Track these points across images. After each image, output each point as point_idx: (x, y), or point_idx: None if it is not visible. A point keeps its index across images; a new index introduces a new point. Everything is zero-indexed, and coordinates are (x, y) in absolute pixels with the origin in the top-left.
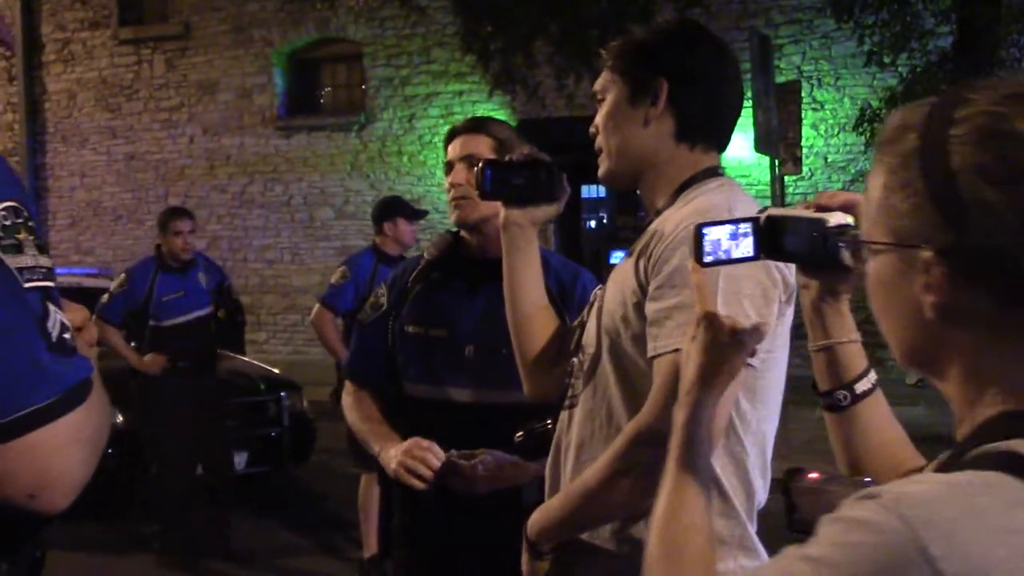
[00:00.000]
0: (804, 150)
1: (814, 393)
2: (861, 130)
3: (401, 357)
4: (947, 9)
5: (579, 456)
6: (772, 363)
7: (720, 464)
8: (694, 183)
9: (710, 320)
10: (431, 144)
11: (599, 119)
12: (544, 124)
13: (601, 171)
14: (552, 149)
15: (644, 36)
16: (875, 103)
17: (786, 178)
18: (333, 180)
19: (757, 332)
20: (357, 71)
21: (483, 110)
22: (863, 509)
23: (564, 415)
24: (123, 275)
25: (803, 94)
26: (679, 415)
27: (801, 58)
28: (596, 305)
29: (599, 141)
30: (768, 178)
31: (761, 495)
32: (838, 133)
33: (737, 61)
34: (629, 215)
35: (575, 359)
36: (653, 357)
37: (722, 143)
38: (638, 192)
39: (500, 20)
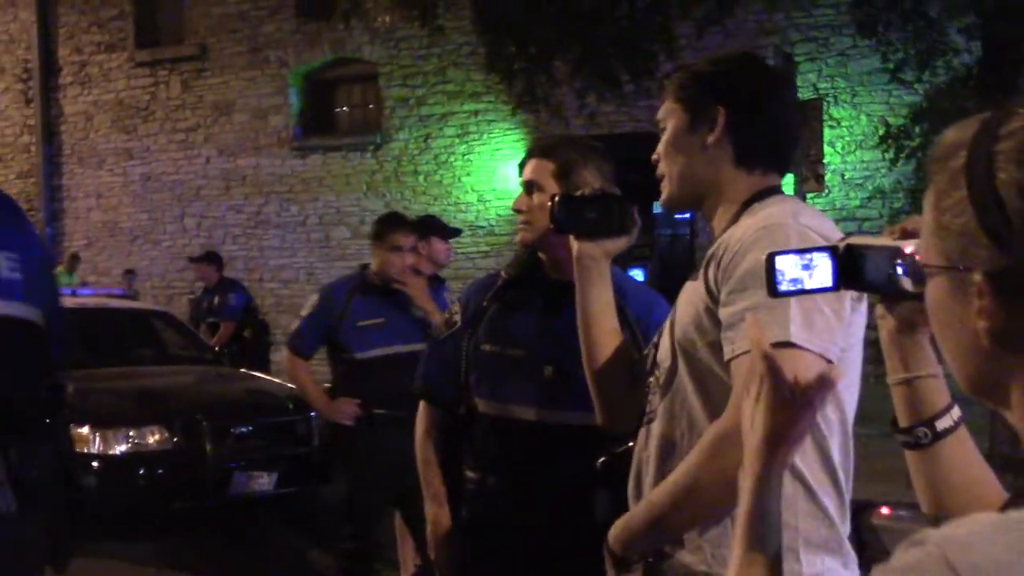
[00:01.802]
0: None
1: (893, 430)
2: (884, 147)
3: (475, 375)
4: (972, 26)
5: (661, 467)
6: (849, 362)
7: (806, 461)
8: (754, 202)
9: (773, 378)
10: (447, 164)
11: (661, 147)
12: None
13: (664, 196)
14: None
15: (702, 66)
16: (892, 120)
17: (807, 195)
18: (349, 200)
19: (827, 382)
20: (373, 91)
21: (499, 130)
22: (909, 556)
23: (642, 431)
24: (314, 296)
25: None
26: (745, 483)
27: (817, 76)
28: (668, 323)
29: (661, 168)
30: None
31: (848, 494)
32: (855, 150)
33: (791, 86)
34: (645, 233)
35: (651, 378)
36: (731, 359)
37: (782, 166)
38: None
39: (522, 39)
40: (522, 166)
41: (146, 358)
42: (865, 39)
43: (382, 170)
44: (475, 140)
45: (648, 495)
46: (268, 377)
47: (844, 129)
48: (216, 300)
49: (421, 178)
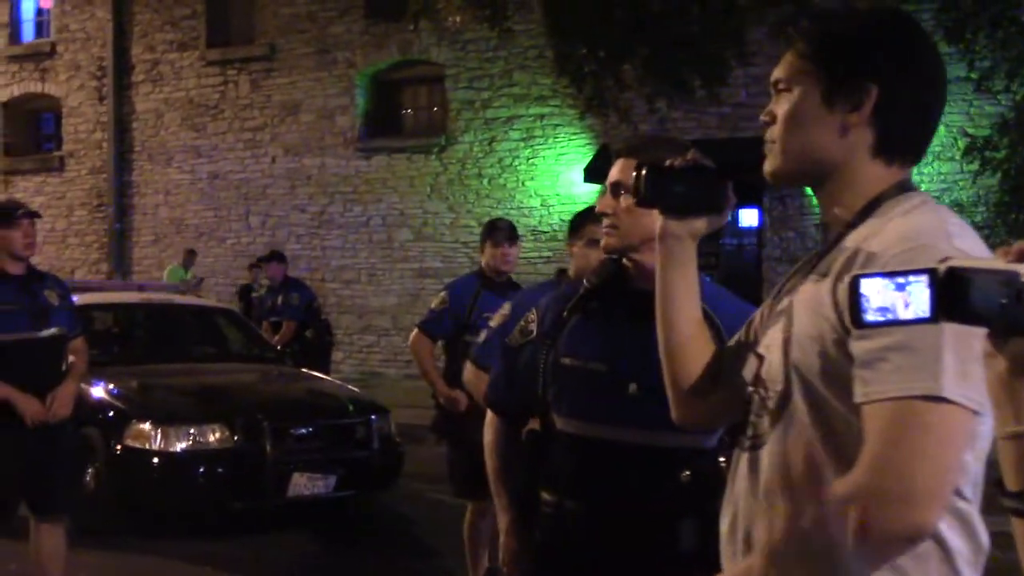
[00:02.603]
0: None
1: (1000, 493)
2: (968, 159)
3: (554, 390)
4: None
5: (773, 502)
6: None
7: (944, 525)
8: (887, 198)
9: None
10: (511, 167)
11: (780, 112)
12: None
13: (769, 167)
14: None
15: (851, 25)
16: (971, 130)
17: None
18: (412, 202)
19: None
20: (438, 93)
21: (564, 134)
22: None
23: (744, 456)
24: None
25: None
26: None
27: None
28: (780, 334)
29: (772, 132)
30: None
31: (986, 547)
32: (932, 161)
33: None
34: (710, 241)
35: (755, 394)
36: (865, 403)
37: (920, 157)
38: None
39: (592, 42)
40: (590, 169)
41: (209, 356)
42: (951, 45)
43: (446, 172)
44: (540, 144)
45: (765, 546)
46: (328, 378)
47: None
48: (280, 299)
49: (485, 181)
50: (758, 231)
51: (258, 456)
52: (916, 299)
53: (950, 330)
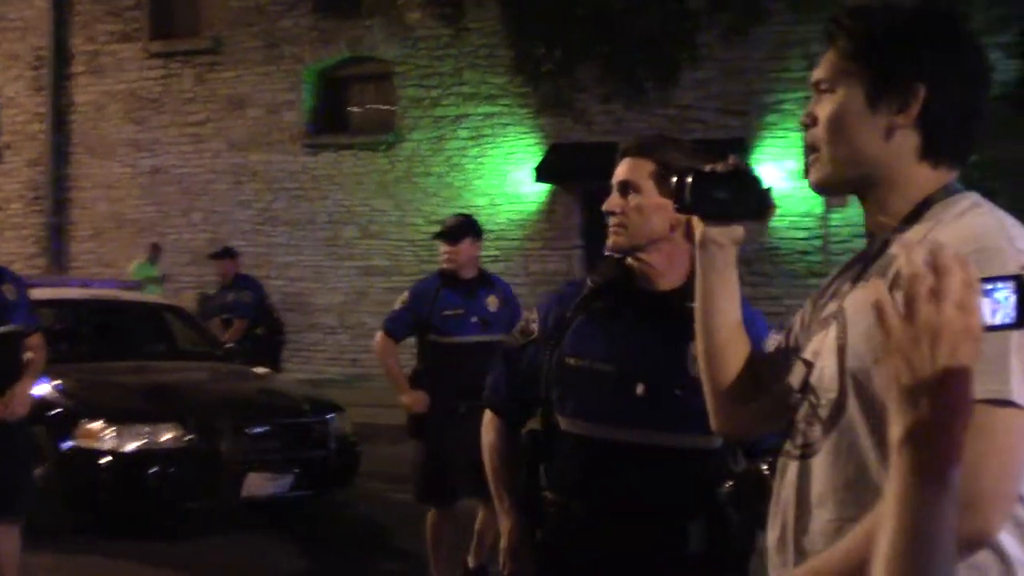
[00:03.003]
0: None
1: None
2: None
3: (558, 390)
4: (1011, 43)
5: (823, 515)
6: None
7: (1005, 533)
8: (935, 201)
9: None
10: (459, 166)
11: (822, 115)
12: (582, 148)
13: (816, 175)
14: (587, 174)
15: (896, 23)
16: None
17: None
18: (359, 199)
19: None
20: (387, 90)
21: (513, 133)
22: None
23: (793, 464)
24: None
25: None
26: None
27: None
28: (834, 341)
29: (815, 138)
30: (818, 211)
31: None
32: None
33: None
34: None
35: (804, 402)
36: None
37: (966, 158)
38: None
39: (551, 41)
40: (541, 168)
41: (158, 353)
42: None
43: (394, 170)
44: (488, 143)
45: (824, 561)
46: (282, 376)
47: None
48: (231, 296)
49: (433, 180)
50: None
51: (213, 455)
52: (1003, 305)
53: (1017, 335)
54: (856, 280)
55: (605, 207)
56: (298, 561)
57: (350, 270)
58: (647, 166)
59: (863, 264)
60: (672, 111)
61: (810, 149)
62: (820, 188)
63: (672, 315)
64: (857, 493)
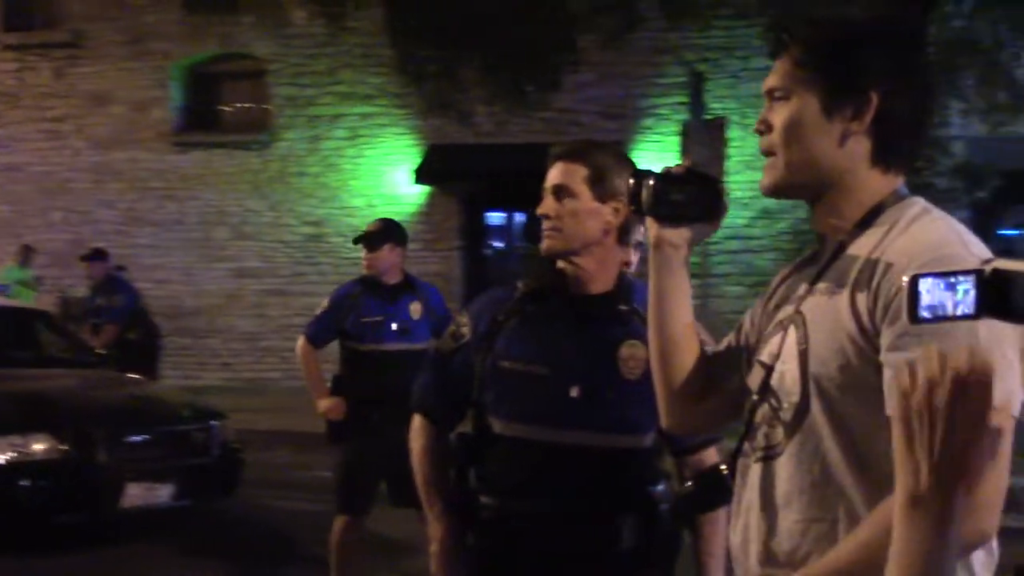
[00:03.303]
0: None
1: None
2: None
3: (492, 393)
4: None
5: (790, 516)
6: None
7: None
8: (887, 206)
9: (975, 391)
10: (335, 166)
11: (778, 122)
12: (461, 150)
13: (769, 180)
14: (467, 176)
15: (849, 32)
16: None
17: None
18: (231, 199)
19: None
20: (260, 88)
21: (391, 134)
22: None
23: (756, 467)
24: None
25: None
26: (910, 536)
27: (710, 96)
28: (793, 347)
29: (770, 144)
30: None
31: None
32: (744, 170)
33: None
34: (534, 242)
35: (763, 404)
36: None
37: (913, 164)
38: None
39: (435, 44)
40: (420, 170)
41: (25, 360)
42: (767, 60)
43: (267, 170)
44: (365, 144)
45: (817, 563)
46: (159, 383)
47: (734, 149)
48: (101, 300)
49: (308, 180)
50: None
51: (89, 466)
52: (963, 297)
53: (991, 337)
54: (812, 284)
55: (540, 211)
56: (182, 573)
57: (222, 272)
58: (580, 171)
59: (817, 268)
60: (551, 114)
61: (766, 154)
62: (772, 191)
63: (604, 318)
64: (822, 494)
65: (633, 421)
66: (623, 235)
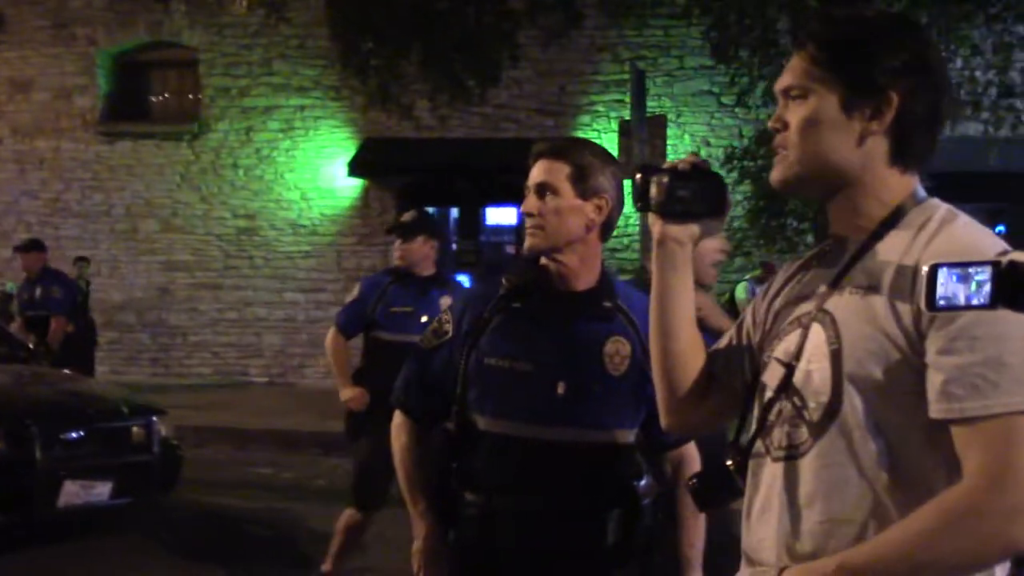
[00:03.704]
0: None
1: None
2: (730, 167)
3: (477, 390)
4: None
5: (813, 516)
6: None
7: None
8: (908, 207)
9: None
10: (269, 158)
11: (795, 119)
12: (397, 144)
13: (781, 175)
14: (403, 169)
15: (866, 31)
16: (712, 140)
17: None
18: (160, 191)
19: None
20: (191, 78)
21: (326, 126)
22: None
23: (775, 466)
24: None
25: None
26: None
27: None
28: (824, 346)
29: (785, 140)
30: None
31: None
32: None
33: None
34: (470, 238)
35: (783, 403)
36: (957, 419)
37: (928, 163)
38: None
39: (377, 36)
40: (355, 163)
41: None
42: (716, 62)
43: (199, 161)
44: (300, 136)
45: (846, 553)
46: (95, 379)
47: (668, 148)
48: (38, 292)
49: (241, 172)
50: (516, 229)
51: (24, 464)
52: (979, 288)
53: (1010, 338)
54: (835, 283)
55: (523, 209)
56: (121, 573)
57: (151, 265)
58: (563, 168)
59: (837, 267)
60: (490, 109)
61: (777, 150)
62: (783, 185)
63: (588, 314)
64: (851, 495)
65: (618, 417)
66: (605, 232)
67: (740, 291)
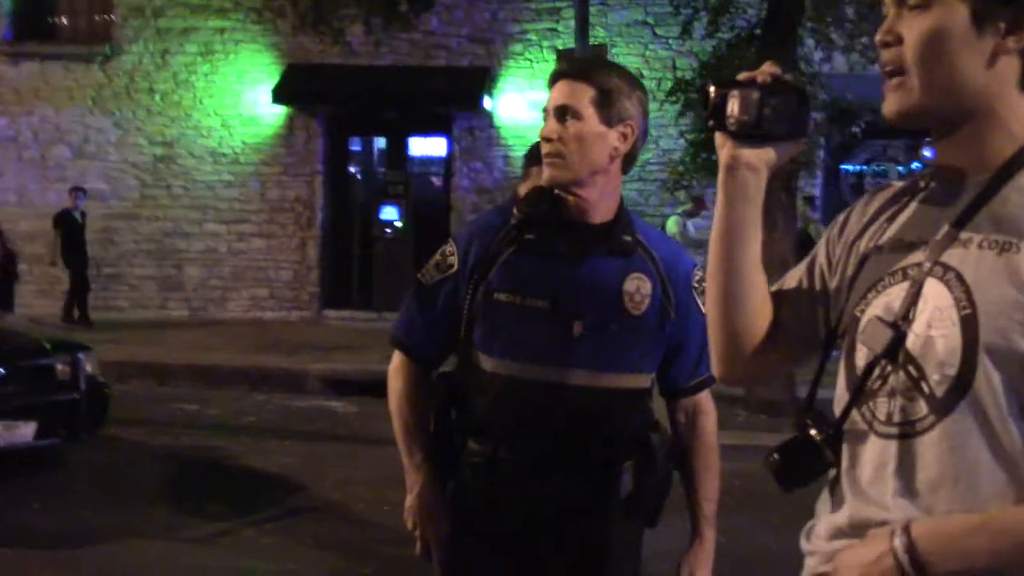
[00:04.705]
0: None
1: None
2: (674, 99)
3: (483, 329)
4: None
5: (939, 505)
6: None
7: None
8: None
9: None
10: (187, 83)
11: (913, 34)
12: (322, 70)
13: (899, 103)
14: (329, 97)
15: None
16: (646, 72)
17: None
18: (71, 116)
19: None
20: None
21: (247, 50)
22: None
23: (887, 444)
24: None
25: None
26: None
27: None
28: (953, 310)
29: (900, 59)
30: None
31: None
32: None
33: None
34: (398, 169)
35: (892, 370)
36: None
37: None
38: (930, 136)
39: None
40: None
41: None
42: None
43: (111, 85)
44: (220, 60)
45: (991, 514)
46: (14, 315)
47: None
48: None
49: (157, 97)
50: (446, 161)
51: None
52: None
53: None
54: (955, 232)
55: (542, 134)
56: (48, 515)
57: (62, 194)
58: (587, 91)
59: (955, 210)
60: (418, 36)
61: (891, 73)
62: (903, 118)
63: (606, 249)
64: (982, 481)
65: (637, 360)
66: (628, 163)
67: (671, 225)
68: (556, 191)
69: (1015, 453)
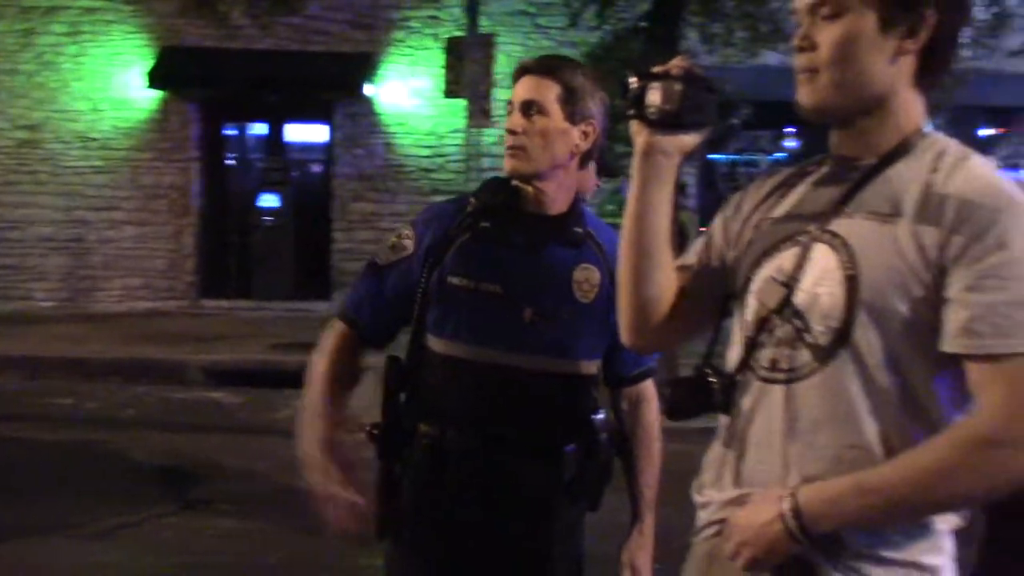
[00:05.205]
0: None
1: None
2: None
3: (436, 311)
4: None
5: (820, 441)
6: None
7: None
8: (919, 135)
9: None
10: (54, 65)
11: (827, 39)
12: (198, 54)
13: (813, 100)
14: (206, 81)
15: None
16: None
17: (474, 130)
18: None
19: None
20: None
21: (119, 32)
22: None
23: (769, 388)
24: None
25: None
26: None
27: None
28: (838, 270)
29: (814, 62)
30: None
31: None
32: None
33: None
34: (277, 156)
35: (780, 323)
36: (980, 355)
37: (938, 88)
38: (833, 129)
39: None
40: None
41: None
42: None
43: None
44: (89, 41)
45: (862, 474)
46: None
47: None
48: None
49: (21, 79)
50: (327, 147)
51: None
52: None
53: None
54: (840, 205)
55: (507, 126)
56: None
57: None
58: (554, 88)
59: (842, 188)
60: (299, 20)
61: (806, 72)
62: (815, 112)
63: (559, 240)
64: (859, 421)
65: (584, 346)
66: (586, 161)
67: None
68: (514, 182)
69: (886, 399)
